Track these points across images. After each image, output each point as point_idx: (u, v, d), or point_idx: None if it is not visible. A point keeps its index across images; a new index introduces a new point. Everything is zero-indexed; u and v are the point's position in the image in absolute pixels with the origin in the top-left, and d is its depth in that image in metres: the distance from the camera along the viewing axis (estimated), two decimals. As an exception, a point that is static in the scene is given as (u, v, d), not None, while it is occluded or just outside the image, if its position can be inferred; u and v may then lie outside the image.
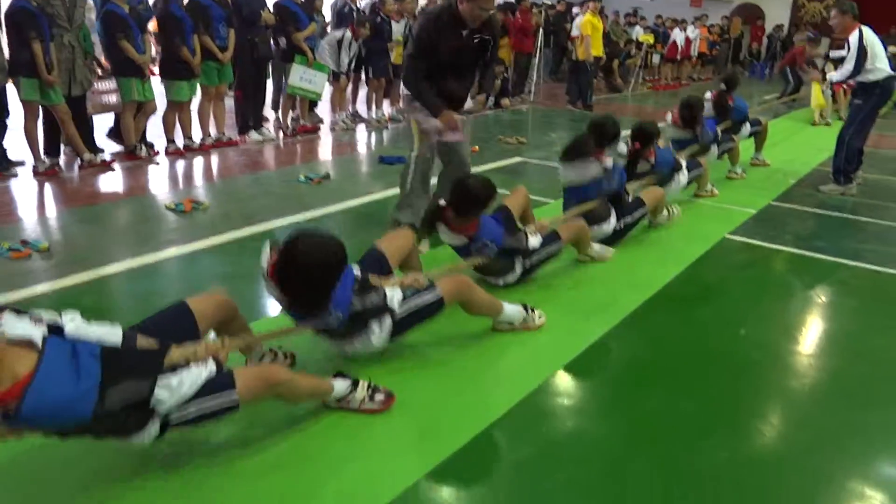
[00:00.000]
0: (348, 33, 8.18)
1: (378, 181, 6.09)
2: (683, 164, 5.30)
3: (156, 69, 6.90)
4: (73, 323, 1.97)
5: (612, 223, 4.35)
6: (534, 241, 3.70)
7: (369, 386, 2.60)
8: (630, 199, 4.52)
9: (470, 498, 2.23)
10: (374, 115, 9.10)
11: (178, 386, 2.02)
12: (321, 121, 8.61)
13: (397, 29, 9.03)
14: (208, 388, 2.09)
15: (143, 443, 2.06)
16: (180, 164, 6.56)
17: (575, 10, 13.70)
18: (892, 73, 5.89)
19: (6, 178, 5.68)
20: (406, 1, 9.04)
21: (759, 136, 7.18)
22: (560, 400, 2.82)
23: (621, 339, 3.30)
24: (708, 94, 6.61)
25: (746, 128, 6.85)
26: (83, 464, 2.24)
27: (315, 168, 6.55)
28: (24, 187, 5.57)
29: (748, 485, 2.30)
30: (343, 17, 8.59)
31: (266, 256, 2.51)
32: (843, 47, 6.11)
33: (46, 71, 5.50)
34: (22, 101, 5.67)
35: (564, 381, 2.93)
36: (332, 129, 8.54)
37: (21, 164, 6.00)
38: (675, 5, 20.11)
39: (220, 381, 2.14)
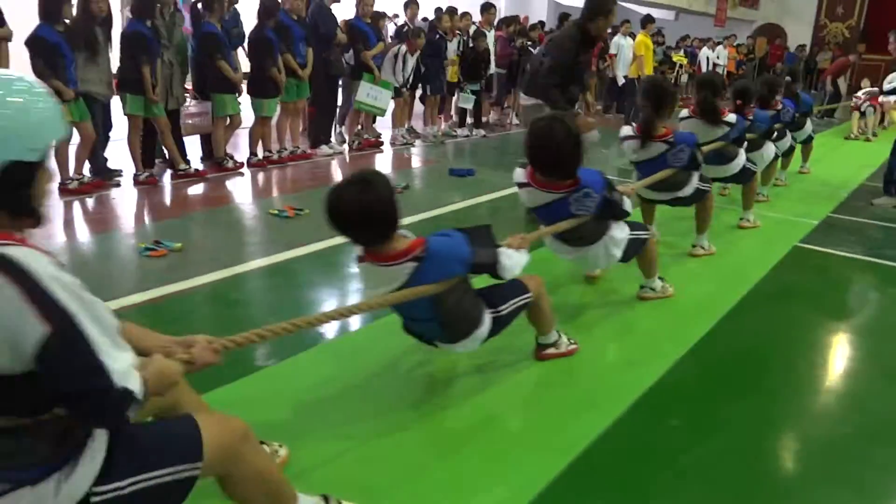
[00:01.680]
0: (404, 47, 8.58)
1: (454, 192, 6.44)
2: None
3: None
4: None
5: (694, 182, 4.37)
6: (628, 204, 3.43)
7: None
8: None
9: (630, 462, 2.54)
10: (430, 131, 9.49)
11: (518, 258, 2.66)
12: (379, 135, 8.99)
13: (451, 48, 9.44)
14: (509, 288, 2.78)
15: (481, 339, 2.66)
16: (266, 175, 6.94)
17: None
18: None
19: (110, 187, 6.07)
20: (462, 18, 9.44)
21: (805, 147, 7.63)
22: (687, 382, 3.10)
23: (727, 331, 3.62)
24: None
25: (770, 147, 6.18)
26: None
27: (394, 179, 6.90)
28: (129, 195, 5.96)
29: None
30: (401, 35, 8.99)
31: (520, 172, 3.31)
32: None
33: (152, 90, 5.91)
34: (127, 115, 6.07)
35: (688, 366, 3.22)
36: (392, 144, 8.92)
37: (119, 173, 6.38)
38: (700, 26, 20.56)
39: (517, 283, 2.80)
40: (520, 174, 3.33)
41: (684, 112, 5.10)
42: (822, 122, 13.10)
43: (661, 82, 4.37)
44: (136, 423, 1.61)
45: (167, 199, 5.93)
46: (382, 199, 2.24)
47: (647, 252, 3.67)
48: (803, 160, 7.86)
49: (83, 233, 5.10)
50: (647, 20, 11.09)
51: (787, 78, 7.02)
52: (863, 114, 11.27)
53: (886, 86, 6.63)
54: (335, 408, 2.72)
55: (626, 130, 4.35)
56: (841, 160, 9.13)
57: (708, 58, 16.54)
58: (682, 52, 15.82)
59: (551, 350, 3.12)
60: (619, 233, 3.39)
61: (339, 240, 4.68)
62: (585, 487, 2.32)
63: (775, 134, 5.76)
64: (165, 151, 6.70)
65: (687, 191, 4.29)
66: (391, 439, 2.52)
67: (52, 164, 1.47)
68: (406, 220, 5.41)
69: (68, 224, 5.23)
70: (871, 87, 11.55)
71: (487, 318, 2.66)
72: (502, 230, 3.95)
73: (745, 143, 5.09)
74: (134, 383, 1.38)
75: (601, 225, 3.33)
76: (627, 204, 3.41)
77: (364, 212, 2.22)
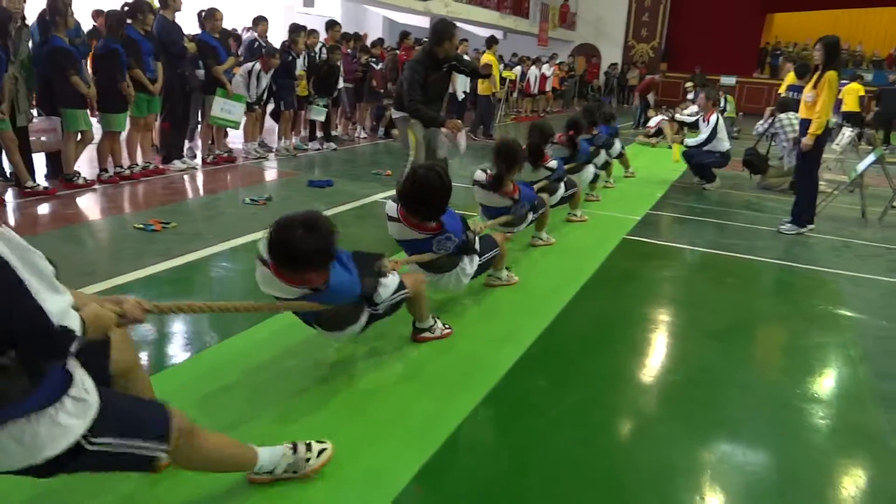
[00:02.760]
0: (258, 65, 8.71)
1: (316, 202, 6.70)
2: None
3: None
4: None
5: (528, 220, 5.08)
6: (478, 242, 4.02)
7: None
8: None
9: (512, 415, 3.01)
10: (283, 145, 9.65)
11: (388, 285, 3.06)
12: (231, 150, 9.02)
13: (298, 64, 9.65)
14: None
15: (355, 332, 3.01)
16: (119, 191, 6.82)
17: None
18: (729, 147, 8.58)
19: (-50, 206, 5.76)
20: (310, 36, 9.71)
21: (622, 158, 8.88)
22: (549, 351, 3.64)
23: (576, 309, 4.23)
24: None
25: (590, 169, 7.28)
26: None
27: (255, 191, 7.04)
28: (-26, 214, 5.69)
29: (699, 397, 3.27)
30: (253, 51, 9.09)
31: (392, 206, 3.59)
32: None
33: (-2, 106, 5.71)
34: (-32, 131, 5.79)
35: (549, 338, 3.77)
36: (245, 158, 8.99)
37: (-40, 192, 6.05)
38: (525, 44, 22.09)
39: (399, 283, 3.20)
40: (392, 208, 3.60)
41: None
42: (639, 130, 14.74)
43: (512, 144, 4.63)
44: (114, 391, 1.84)
45: (19, 218, 5.72)
46: (325, 238, 2.50)
47: (496, 258, 4.22)
48: (625, 168, 9.11)
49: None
50: (492, 41, 12.10)
51: (607, 112, 8.37)
52: (660, 132, 13.04)
53: (686, 118, 8.29)
54: (253, 393, 3.00)
55: (479, 176, 4.74)
56: (652, 165, 10.36)
57: (535, 76, 17.87)
58: (512, 69, 16.94)
59: (426, 334, 3.56)
60: (469, 266, 3.83)
61: (219, 248, 4.97)
62: (479, 437, 2.77)
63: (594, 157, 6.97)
64: (7, 169, 6.44)
65: (521, 228, 5.02)
66: (312, 406, 2.90)
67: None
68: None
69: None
70: (658, 116, 13.71)
71: (364, 317, 3.00)
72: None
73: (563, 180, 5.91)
74: (72, 322, 1.54)
75: (455, 258, 3.74)
76: (478, 242, 3.90)
77: (308, 249, 2.45)
